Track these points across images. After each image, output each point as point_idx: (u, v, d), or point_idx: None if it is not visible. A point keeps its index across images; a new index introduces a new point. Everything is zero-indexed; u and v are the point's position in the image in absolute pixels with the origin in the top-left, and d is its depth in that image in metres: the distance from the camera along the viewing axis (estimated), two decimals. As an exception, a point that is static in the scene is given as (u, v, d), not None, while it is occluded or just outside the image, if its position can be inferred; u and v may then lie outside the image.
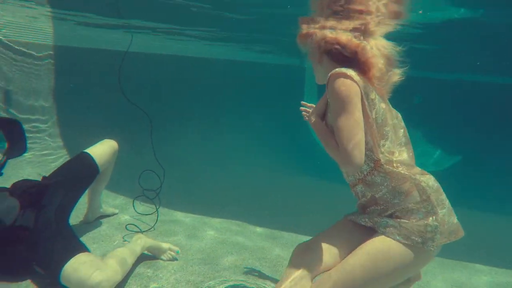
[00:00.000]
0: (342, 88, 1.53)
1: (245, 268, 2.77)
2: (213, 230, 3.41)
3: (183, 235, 3.21)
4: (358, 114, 1.53)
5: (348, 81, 1.53)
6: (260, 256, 3.00)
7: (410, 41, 5.44)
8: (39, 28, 5.74)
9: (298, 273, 1.65)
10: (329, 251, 1.70)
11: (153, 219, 3.31)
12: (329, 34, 1.73)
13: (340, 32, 1.73)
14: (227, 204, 4.45)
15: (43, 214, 2.18)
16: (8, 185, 2.23)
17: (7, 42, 5.02)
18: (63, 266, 2.00)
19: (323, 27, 1.84)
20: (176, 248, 2.77)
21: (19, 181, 2.36)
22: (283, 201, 4.94)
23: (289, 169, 6.96)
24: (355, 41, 1.68)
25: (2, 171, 1.96)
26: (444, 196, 1.69)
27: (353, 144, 1.49)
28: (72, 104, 5.95)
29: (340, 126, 1.52)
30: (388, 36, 1.79)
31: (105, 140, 2.82)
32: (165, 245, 2.73)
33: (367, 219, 1.71)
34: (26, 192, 2.23)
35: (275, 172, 6.70)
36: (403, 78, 1.75)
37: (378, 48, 1.69)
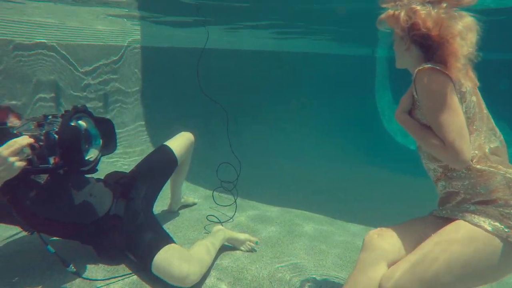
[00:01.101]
0: (436, 83, 1.49)
1: (323, 262, 2.70)
2: (286, 220, 3.39)
3: (261, 226, 3.23)
4: (458, 108, 1.48)
5: (440, 76, 1.49)
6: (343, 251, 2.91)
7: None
8: (129, 31, 6.20)
9: (372, 259, 1.58)
10: (404, 240, 1.62)
11: (232, 209, 3.38)
12: (418, 8, 1.58)
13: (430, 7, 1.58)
14: (301, 195, 4.40)
15: (132, 204, 2.33)
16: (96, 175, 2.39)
17: (103, 46, 5.50)
18: (153, 257, 2.10)
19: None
20: (255, 239, 2.78)
21: (110, 173, 2.56)
22: (369, 195, 4.74)
23: (372, 163, 6.67)
24: (444, 14, 1.54)
25: (97, 167, 2.13)
26: None
27: (462, 141, 1.45)
28: (154, 100, 6.34)
29: (445, 123, 1.47)
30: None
31: (182, 132, 2.91)
32: (244, 236, 2.75)
33: (448, 211, 1.61)
34: (117, 183, 2.40)
35: (354, 165, 6.46)
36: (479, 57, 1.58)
37: (462, 24, 1.55)
